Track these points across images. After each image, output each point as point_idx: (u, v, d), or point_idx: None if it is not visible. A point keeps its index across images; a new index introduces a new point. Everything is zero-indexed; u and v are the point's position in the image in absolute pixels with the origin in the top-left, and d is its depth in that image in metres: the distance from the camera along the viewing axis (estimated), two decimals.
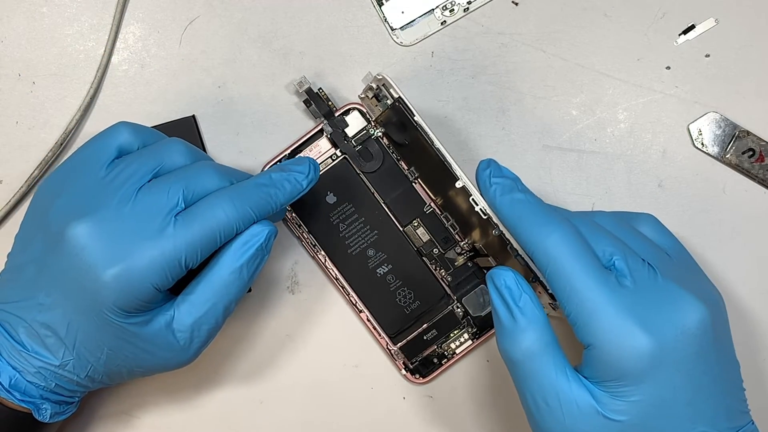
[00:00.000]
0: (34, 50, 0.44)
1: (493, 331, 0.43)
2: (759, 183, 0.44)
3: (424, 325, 0.43)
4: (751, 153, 0.44)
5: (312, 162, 0.38)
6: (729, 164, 0.44)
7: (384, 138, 0.43)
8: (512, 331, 0.34)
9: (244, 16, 0.44)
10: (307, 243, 0.43)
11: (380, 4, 0.44)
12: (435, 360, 0.44)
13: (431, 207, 0.43)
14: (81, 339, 0.34)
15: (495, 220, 0.37)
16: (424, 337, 0.43)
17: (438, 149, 0.38)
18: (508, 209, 0.36)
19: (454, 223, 0.43)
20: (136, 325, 0.34)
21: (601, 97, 0.44)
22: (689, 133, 0.44)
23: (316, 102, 0.43)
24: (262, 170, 0.43)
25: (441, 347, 0.44)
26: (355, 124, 0.43)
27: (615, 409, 0.33)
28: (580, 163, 0.44)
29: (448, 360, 0.43)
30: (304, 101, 0.43)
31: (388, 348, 0.43)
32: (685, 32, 0.44)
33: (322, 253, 0.43)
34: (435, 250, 0.43)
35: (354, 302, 0.43)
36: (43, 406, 0.36)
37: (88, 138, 0.37)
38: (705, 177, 0.44)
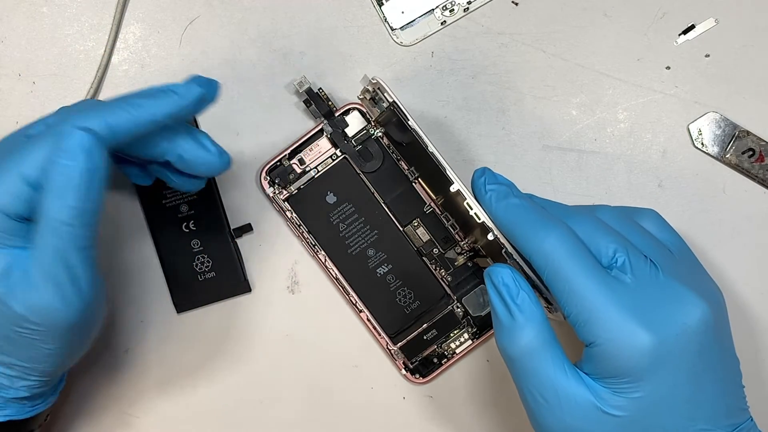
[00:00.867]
0: (34, 50, 0.44)
1: (492, 331, 0.43)
2: (759, 183, 0.44)
3: (424, 325, 0.43)
4: (751, 153, 0.44)
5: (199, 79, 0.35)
6: (729, 164, 0.44)
7: (384, 138, 0.43)
8: (510, 328, 0.34)
9: (244, 16, 0.44)
10: (307, 243, 0.43)
11: (380, 4, 0.44)
12: (435, 360, 0.44)
13: (431, 207, 0.43)
14: None
15: (489, 224, 0.37)
16: (424, 337, 0.43)
17: (432, 153, 0.38)
18: (504, 215, 0.36)
19: (454, 223, 0.43)
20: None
21: (601, 97, 0.44)
22: (689, 133, 0.44)
23: (316, 102, 0.43)
24: (261, 169, 0.43)
25: (441, 347, 0.44)
26: (355, 124, 0.43)
27: (615, 405, 0.33)
28: (580, 163, 0.44)
29: (448, 360, 0.43)
30: (304, 101, 0.43)
31: (388, 348, 0.43)
32: (685, 32, 0.44)
33: (322, 253, 0.43)
34: (435, 250, 0.43)
35: (354, 302, 0.43)
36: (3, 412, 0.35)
37: None
38: (705, 177, 0.44)
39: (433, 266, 0.44)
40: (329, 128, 0.43)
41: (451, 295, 0.44)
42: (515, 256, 0.37)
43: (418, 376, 0.43)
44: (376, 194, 0.43)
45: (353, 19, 0.44)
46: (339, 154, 0.43)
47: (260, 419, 0.44)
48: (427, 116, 0.44)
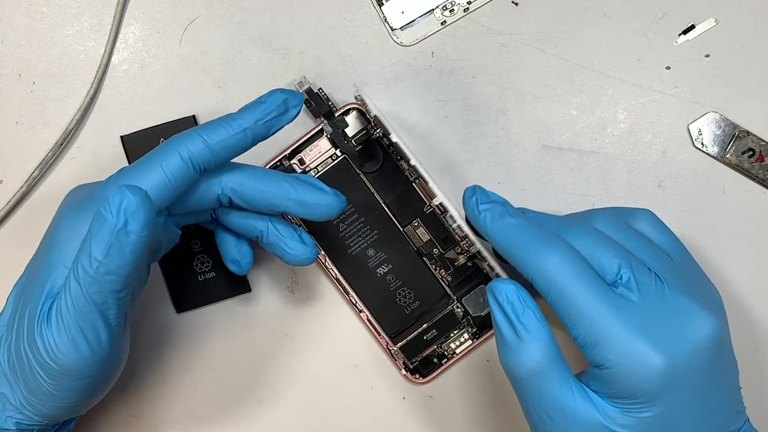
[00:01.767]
0: (34, 50, 0.44)
1: (492, 331, 0.43)
2: (759, 183, 0.44)
3: (424, 325, 0.43)
4: (751, 153, 0.44)
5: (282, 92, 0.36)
6: (729, 164, 0.44)
7: (384, 138, 0.43)
8: (516, 348, 0.33)
9: (244, 16, 0.44)
10: None
11: (380, 4, 0.44)
12: (435, 360, 0.44)
13: (431, 207, 0.43)
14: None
15: (472, 237, 0.37)
16: (424, 337, 0.43)
17: (414, 166, 0.38)
18: (501, 236, 0.35)
19: None
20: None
21: (601, 97, 0.44)
22: (689, 133, 0.44)
23: (316, 102, 0.43)
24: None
25: (441, 347, 0.44)
26: (355, 124, 0.43)
27: (623, 424, 0.32)
28: (580, 163, 0.44)
29: (448, 360, 0.43)
30: (304, 101, 0.43)
31: (388, 348, 0.43)
32: (685, 32, 0.44)
33: (322, 253, 0.43)
34: (435, 250, 0.43)
35: (354, 302, 0.43)
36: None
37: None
38: (705, 177, 0.44)
39: (433, 266, 0.44)
40: (329, 128, 0.43)
41: (451, 295, 0.44)
42: (497, 270, 0.38)
43: (418, 376, 0.43)
44: (376, 194, 0.43)
45: (353, 18, 0.44)
46: (339, 154, 0.43)
47: (260, 419, 0.44)
48: (427, 116, 0.44)
